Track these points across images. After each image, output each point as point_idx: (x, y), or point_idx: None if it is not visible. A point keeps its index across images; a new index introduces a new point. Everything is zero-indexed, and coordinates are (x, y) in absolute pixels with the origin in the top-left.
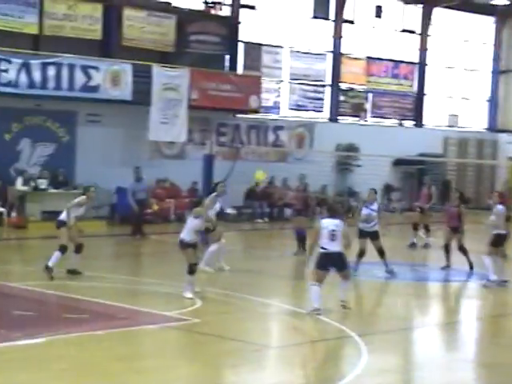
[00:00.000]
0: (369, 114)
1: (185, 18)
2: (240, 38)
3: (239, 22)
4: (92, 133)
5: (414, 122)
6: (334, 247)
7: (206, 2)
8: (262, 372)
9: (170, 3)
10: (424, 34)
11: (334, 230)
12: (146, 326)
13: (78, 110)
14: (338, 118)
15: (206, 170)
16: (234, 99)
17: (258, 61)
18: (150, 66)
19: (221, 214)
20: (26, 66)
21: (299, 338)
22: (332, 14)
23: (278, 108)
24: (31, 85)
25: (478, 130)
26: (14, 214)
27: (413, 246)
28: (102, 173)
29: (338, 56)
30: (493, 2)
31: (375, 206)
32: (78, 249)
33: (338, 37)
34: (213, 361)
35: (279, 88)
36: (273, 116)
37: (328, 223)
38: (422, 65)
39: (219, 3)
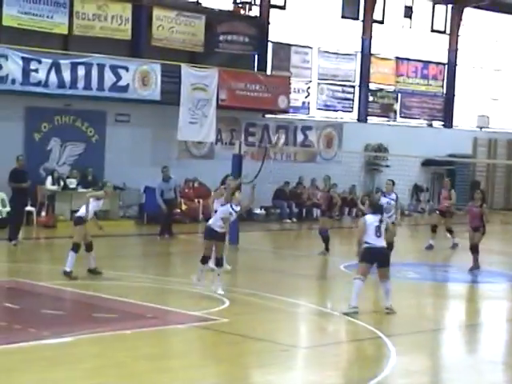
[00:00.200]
0: (398, 115)
1: (214, 17)
2: (269, 38)
3: (268, 22)
4: (121, 132)
5: (443, 123)
6: (380, 242)
7: (236, 2)
8: (289, 372)
9: (199, 3)
10: (453, 34)
11: (378, 226)
12: (174, 325)
13: (107, 109)
14: (367, 118)
15: (234, 169)
16: (262, 99)
17: (287, 61)
18: (179, 66)
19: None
20: (55, 66)
21: (327, 338)
22: (361, 14)
23: (307, 108)
24: (61, 85)
25: (507, 130)
26: (43, 214)
27: (430, 248)
28: (131, 172)
29: (367, 56)
30: None
31: (393, 196)
32: (88, 247)
33: (367, 37)
34: (240, 361)
35: (308, 88)
36: (301, 116)
37: (372, 219)
38: (451, 65)
39: (248, 3)
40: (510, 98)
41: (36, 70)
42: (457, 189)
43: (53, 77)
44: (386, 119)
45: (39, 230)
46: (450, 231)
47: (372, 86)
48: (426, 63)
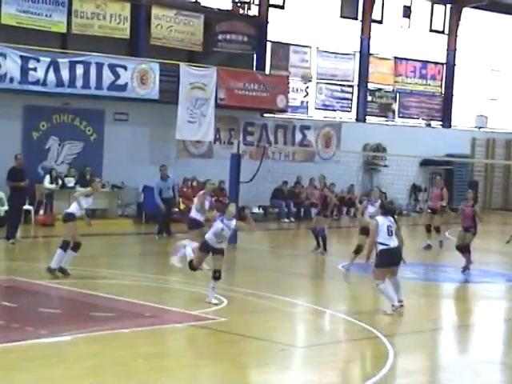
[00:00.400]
0: (396, 114)
1: (213, 17)
2: (268, 38)
3: (267, 22)
4: (119, 131)
5: (441, 123)
6: (394, 242)
7: (234, 2)
8: (286, 372)
9: (198, 2)
10: (452, 34)
11: (390, 226)
12: (172, 324)
13: (105, 108)
14: (366, 117)
15: (233, 169)
16: (261, 99)
17: (286, 60)
18: (177, 65)
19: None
20: (54, 65)
21: (324, 338)
22: (360, 14)
23: (306, 108)
24: (59, 83)
25: (506, 130)
26: (41, 212)
27: (428, 247)
28: (129, 171)
29: (365, 56)
30: None
31: (377, 204)
32: (76, 247)
33: (365, 37)
34: (238, 360)
35: (307, 88)
36: (300, 116)
37: (383, 220)
38: (449, 65)
39: (247, 2)
40: (509, 98)
41: (34, 69)
42: (455, 189)
43: (51, 75)
44: (385, 119)
45: (37, 229)
46: (438, 230)
47: (370, 86)
48: (425, 63)
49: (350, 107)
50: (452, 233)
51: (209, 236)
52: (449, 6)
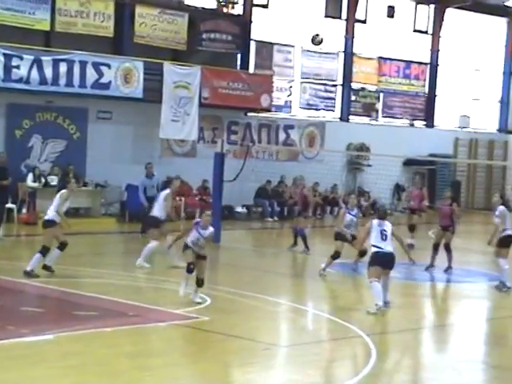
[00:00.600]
0: (380, 114)
1: (197, 16)
2: (252, 37)
3: (251, 21)
4: (103, 130)
5: (424, 123)
6: (387, 246)
7: (219, 1)
8: (270, 371)
9: (182, 1)
10: (436, 35)
11: (384, 230)
12: (155, 323)
13: (89, 106)
14: (349, 117)
15: (216, 168)
16: (245, 98)
17: (270, 59)
18: (161, 64)
19: None
20: (37, 63)
21: (308, 337)
22: (344, 14)
23: (289, 107)
24: (42, 81)
25: (488, 130)
26: (24, 211)
27: (411, 247)
28: (113, 170)
29: (349, 55)
30: (505, 3)
31: (355, 212)
32: (62, 246)
33: (349, 36)
34: (221, 359)
35: (290, 87)
36: (284, 115)
37: (378, 224)
38: (433, 65)
39: (232, 2)
40: (491, 98)
41: (17, 67)
42: (437, 189)
43: (34, 73)
44: (368, 118)
45: (20, 227)
46: (411, 230)
47: (354, 86)
48: (409, 63)
49: (334, 107)
50: (435, 232)
51: (189, 244)
52: (432, 6)
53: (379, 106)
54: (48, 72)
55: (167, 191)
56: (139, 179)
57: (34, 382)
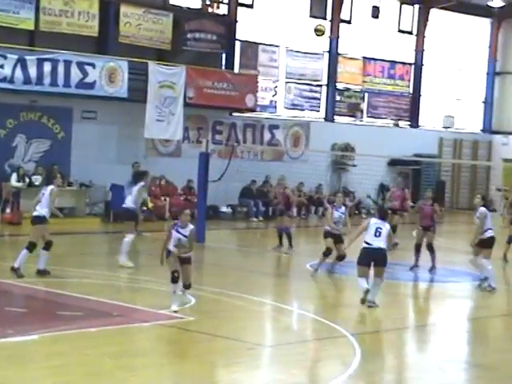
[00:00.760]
0: (364, 114)
1: (182, 15)
2: (237, 37)
3: (236, 21)
4: (87, 129)
5: (409, 123)
6: (378, 243)
7: (204, 0)
8: (255, 371)
9: (167, 1)
10: (420, 35)
11: (380, 228)
12: (139, 323)
13: (73, 106)
14: (334, 117)
15: (201, 168)
16: (230, 97)
17: (255, 59)
18: (146, 64)
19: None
20: (21, 62)
21: (293, 336)
22: (329, 14)
23: (274, 107)
24: (27, 81)
25: (472, 131)
26: (8, 211)
27: (394, 245)
28: (97, 170)
29: (334, 56)
30: (489, 4)
31: (343, 209)
32: (48, 246)
33: (334, 37)
34: (206, 359)
35: (275, 87)
36: (269, 115)
37: (375, 222)
38: (417, 65)
39: (217, 1)
40: (475, 98)
41: (1, 66)
42: (422, 189)
43: (18, 73)
44: (353, 119)
45: (4, 227)
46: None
47: (339, 86)
48: (393, 63)
49: (319, 107)
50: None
51: (171, 248)
52: (417, 6)
53: (364, 106)
54: (32, 71)
55: (142, 184)
56: (126, 179)
57: (19, 382)
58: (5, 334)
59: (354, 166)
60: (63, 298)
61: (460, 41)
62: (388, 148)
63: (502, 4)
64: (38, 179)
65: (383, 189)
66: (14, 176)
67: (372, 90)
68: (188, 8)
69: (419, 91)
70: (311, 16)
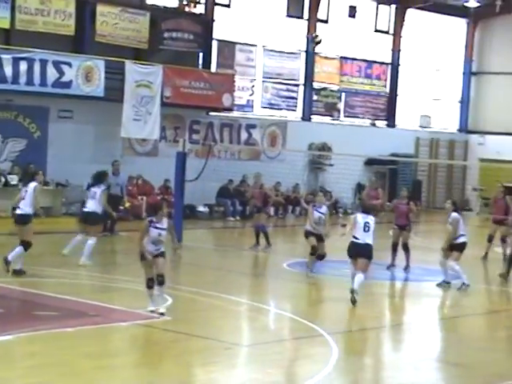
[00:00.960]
0: (341, 114)
1: (159, 14)
2: (214, 36)
3: (213, 20)
4: (64, 129)
5: (386, 122)
6: (365, 238)
7: (181, 0)
8: (232, 370)
9: (143, 0)
10: (397, 35)
11: (367, 222)
12: (117, 323)
13: (49, 105)
14: (311, 117)
15: (178, 167)
16: (207, 97)
17: (232, 59)
18: (123, 63)
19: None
20: None
21: (270, 336)
22: (306, 13)
23: (251, 106)
24: (2, 80)
25: (449, 130)
26: None
27: None
28: (74, 169)
29: (311, 55)
30: (465, 4)
31: (324, 209)
32: (27, 246)
33: (311, 36)
34: (183, 359)
35: (252, 86)
36: (246, 114)
37: (362, 217)
38: (394, 65)
39: (193, 1)
40: (452, 98)
41: None
42: (399, 188)
43: None
44: (330, 118)
45: None
46: None
47: (316, 85)
48: (370, 63)
49: (296, 106)
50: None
51: (147, 247)
52: (393, 6)
53: (341, 105)
54: (8, 70)
55: (103, 187)
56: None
57: None
58: None
59: (331, 165)
60: (39, 298)
61: (436, 41)
62: (365, 147)
63: (478, 4)
64: (13, 179)
65: (360, 188)
66: None
67: (349, 89)
68: (165, 7)
69: (396, 91)
70: (288, 15)
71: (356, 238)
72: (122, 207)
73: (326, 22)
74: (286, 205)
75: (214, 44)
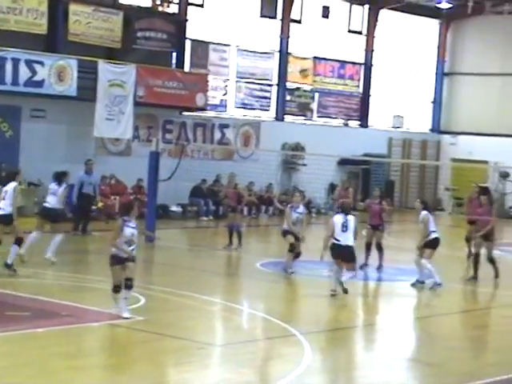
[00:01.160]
0: (315, 114)
1: (132, 14)
2: (187, 36)
3: (187, 20)
4: (36, 128)
5: (359, 122)
6: (346, 240)
7: None
8: (205, 370)
9: None
10: (370, 35)
11: (345, 222)
12: (89, 323)
13: (22, 104)
14: (284, 116)
15: (151, 167)
16: (180, 96)
17: (205, 59)
18: (95, 62)
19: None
20: None
21: (242, 336)
22: (279, 14)
23: (225, 106)
24: None
25: (421, 131)
26: None
27: None
28: (46, 169)
29: (284, 55)
30: (438, 5)
31: (301, 209)
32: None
33: (285, 36)
34: (156, 359)
35: (226, 86)
36: (219, 114)
37: (339, 218)
38: (367, 65)
39: (167, 0)
40: (424, 98)
41: None
42: (371, 188)
43: None
44: (303, 118)
45: None
46: None
47: (289, 85)
48: (343, 63)
49: (269, 106)
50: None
51: (120, 247)
52: (367, 7)
53: (314, 105)
54: None
55: (64, 185)
56: (77, 175)
57: None
58: None
59: (305, 165)
60: (10, 298)
61: (409, 41)
62: (338, 147)
63: (450, 5)
64: None
65: (333, 188)
66: None
67: (322, 89)
68: (138, 6)
69: (369, 91)
70: (262, 15)
71: (337, 240)
72: (94, 207)
73: (299, 22)
74: (259, 205)
75: (188, 44)
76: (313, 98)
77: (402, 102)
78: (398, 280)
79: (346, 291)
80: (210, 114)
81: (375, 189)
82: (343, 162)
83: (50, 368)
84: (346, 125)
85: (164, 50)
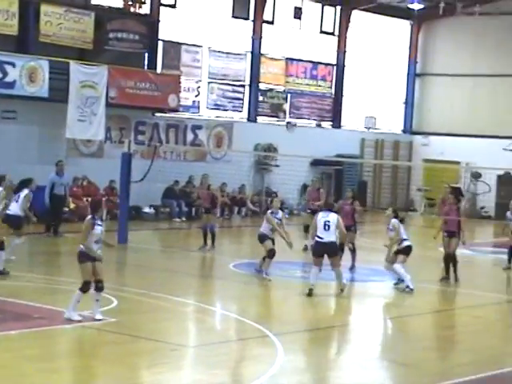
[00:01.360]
0: (287, 115)
1: (104, 15)
2: (159, 37)
3: (159, 21)
4: (7, 130)
5: (331, 123)
6: (328, 237)
7: (126, 0)
8: (178, 372)
9: (88, 0)
10: (342, 36)
11: (328, 221)
12: (61, 325)
13: None
14: (257, 117)
15: (123, 168)
16: (152, 98)
17: (178, 60)
18: (67, 63)
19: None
20: None
21: (216, 337)
22: (252, 14)
23: (197, 107)
24: None
25: (393, 131)
26: None
27: (306, 249)
28: (18, 170)
29: (257, 56)
30: (409, 6)
31: (279, 215)
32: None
33: (257, 37)
34: (128, 361)
35: (198, 87)
36: (191, 115)
37: (322, 216)
38: (340, 66)
39: (139, 1)
40: (397, 99)
41: None
42: (344, 189)
43: None
44: (276, 119)
45: None
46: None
47: (262, 86)
48: (316, 64)
49: (242, 107)
50: None
51: (89, 246)
52: (339, 8)
53: (286, 106)
54: None
55: (26, 191)
56: (49, 176)
57: None
58: None
59: (277, 166)
60: None
61: (381, 42)
62: (310, 148)
63: (422, 6)
64: None
65: (306, 189)
66: None
67: (294, 90)
68: (110, 7)
69: (341, 92)
70: (234, 16)
71: (320, 238)
72: (66, 208)
73: (271, 23)
74: (231, 206)
75: (160, 44)
76: (285, 98)
77: (374, 102)
78: (371, 280)
79: (310, 295)
80: (182, 115)
81: (347, 190)
82: (316, 163)
83: (23, 370)
84: (319, 125)
85: (136, 51)
